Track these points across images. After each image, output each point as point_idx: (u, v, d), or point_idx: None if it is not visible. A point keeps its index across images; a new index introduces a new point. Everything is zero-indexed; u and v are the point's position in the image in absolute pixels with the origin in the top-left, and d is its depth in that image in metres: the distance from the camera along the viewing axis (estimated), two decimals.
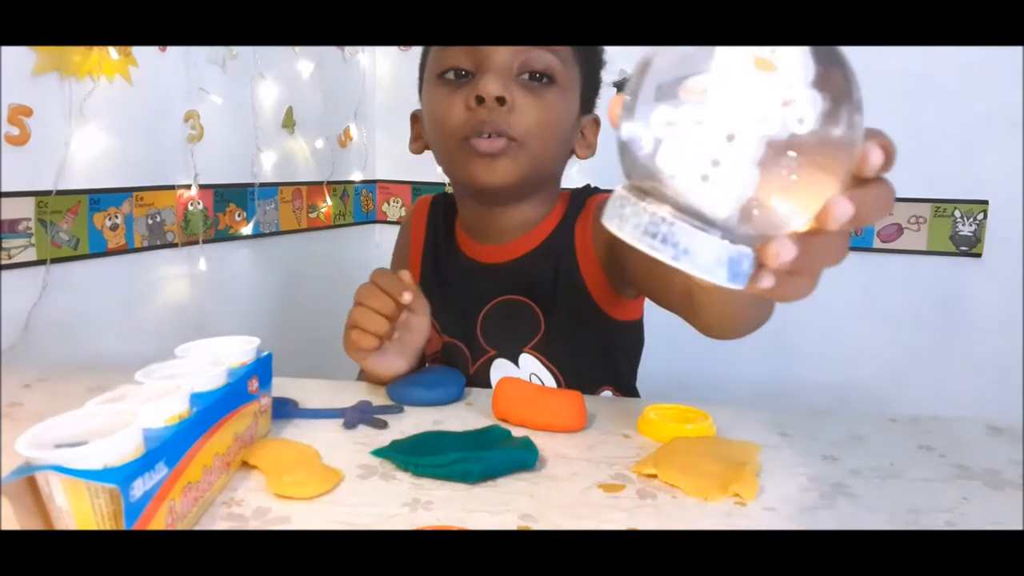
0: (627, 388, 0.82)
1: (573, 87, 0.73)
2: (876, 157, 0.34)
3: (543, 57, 0.69)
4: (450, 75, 0.70)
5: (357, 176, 1.69)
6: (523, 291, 0.77)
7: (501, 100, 0.67)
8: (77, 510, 0.35)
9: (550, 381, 0.76)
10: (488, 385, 0.75)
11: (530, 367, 0.76)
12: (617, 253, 0.72)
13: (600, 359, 0.78)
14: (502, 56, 0.68)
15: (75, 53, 0.96)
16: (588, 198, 0.80)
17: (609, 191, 0.40)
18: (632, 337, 0.82)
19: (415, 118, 0.81)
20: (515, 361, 0.77)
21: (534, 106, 0.69)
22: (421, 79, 0.77)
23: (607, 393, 0.78)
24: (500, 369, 0.77)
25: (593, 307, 0.76)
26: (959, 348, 1.40)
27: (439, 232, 0.85)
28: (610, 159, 0.38)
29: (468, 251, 0.81)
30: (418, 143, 0.81)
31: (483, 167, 0.70)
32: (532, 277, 0.77)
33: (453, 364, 0.78)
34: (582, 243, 0.77)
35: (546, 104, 0.70)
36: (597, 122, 0.79)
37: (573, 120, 0.75)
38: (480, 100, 0.67)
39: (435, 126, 0.72)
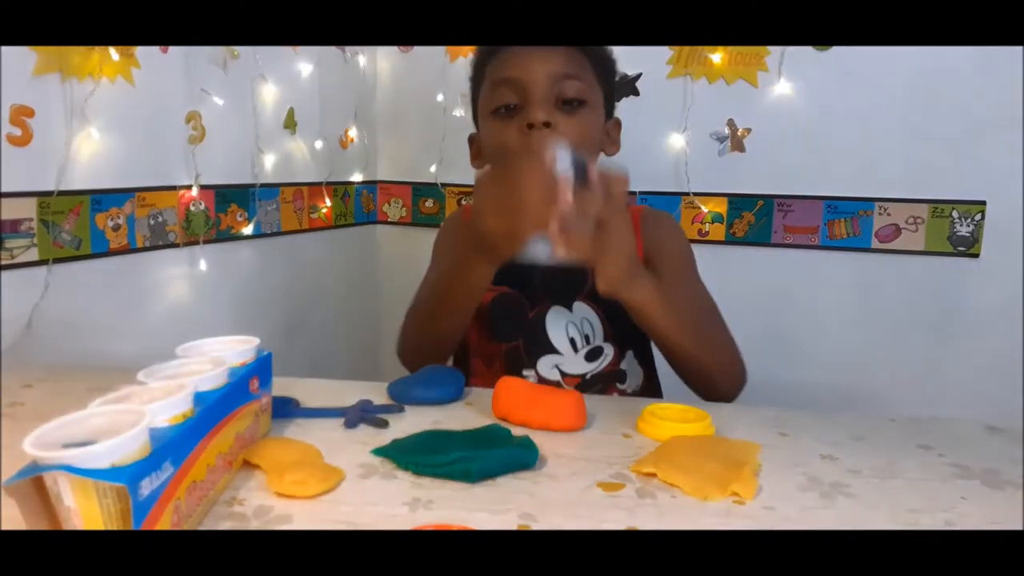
0: (649, 362, 0.93)
1: (599, 103, 0.85)
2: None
3: (573, 85, 0.81)
4: (502, 111, 0.82)
5: (358, 177, 1.69)
6: None
7: (547, 124, 0.78)
8: (85, 510, 0.36)
9: (598, 326, 0.87)
10: (544, 330, 0.87)
11: (582, 313, 0.88)
12: (651, 265, 0.85)
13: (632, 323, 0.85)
14: (542, 89, 0.80)
15: (76, 54, 0.96)
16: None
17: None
18: None
19: (472, 140, 0.93)
20: (570, 308, 0.88)
21: (573, 125, 0.81)
22: (475, 112, 0.90)
23: (630, 354, 0.89)
24: (556, 315, 0.88)
25: None
26: (957, 348, 1.40)
27: None
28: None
29: None
30: (478, 161, 0.92)
31: None
32: None
33: (509, 311, 0.89)
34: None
35: (581, 122, 0.82)
36: (618, 124, 0.91)
37: (601, 128, 0.88)
38: (530, 126, 0.78)
39: (495, 151, 0.83)
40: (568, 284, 0.87)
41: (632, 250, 0.70)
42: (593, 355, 0.87)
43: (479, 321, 0.88)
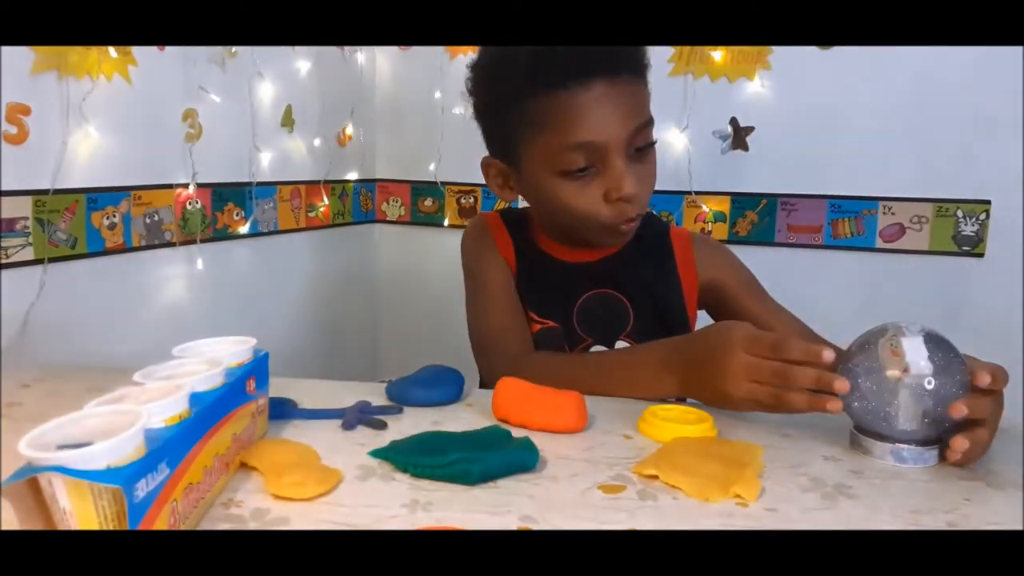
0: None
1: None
2: (983, 379, 0.54)
3: (646, 133, 0.77)
4: (575, 173, 0.75)
5: (356, 175, 1.68)
6: (612, 286, 0.86)
7: (635, 195, 0.75)
8: (80, 511, 0.35)
9: None
10: None
11: None
12: (722, 299, 0.89)
13: None
14: (618, 147, 0.74)
15: (74, 52, 0.96)
16: (671, 225, 0.94)
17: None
18: None
19: (490, 165, 0.85)
20: (611, 348, 0.84)
21: (647, 174, 0.79)
22: (511, 145, 0.80)
23: None
24: None
25: (682, 310, 0.87)
26: (961, 347, 1.39)
27: (521, 239, 0.90)
28: None
29: (557, 254, 0.88)
30: (509, 192, 0.86)
31: (620, 240, 0.81)
32: (618, 274, 0.86)
33: (552, 347, 0.83)
34: (684, 262, 0.89)
35: (651, 166, 0.80)
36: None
37: None
38: (619, 199, 0.75)
39: (570, 214, 0.78)
40: (610, 325, 0.84)
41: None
42: None
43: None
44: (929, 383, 0.52)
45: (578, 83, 0.73)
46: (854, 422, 0.58)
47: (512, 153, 0.80)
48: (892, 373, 0.53)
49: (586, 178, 0.75)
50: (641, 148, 0.77)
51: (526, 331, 0.84)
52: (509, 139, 0.80)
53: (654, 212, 1.53)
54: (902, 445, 0.55)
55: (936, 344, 0.54)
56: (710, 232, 1.52)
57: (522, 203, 0.88)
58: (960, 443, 0.53)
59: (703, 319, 0.92)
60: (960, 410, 0.52)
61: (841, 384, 0.55)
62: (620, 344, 0.84)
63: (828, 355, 0.58)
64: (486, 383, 0.79)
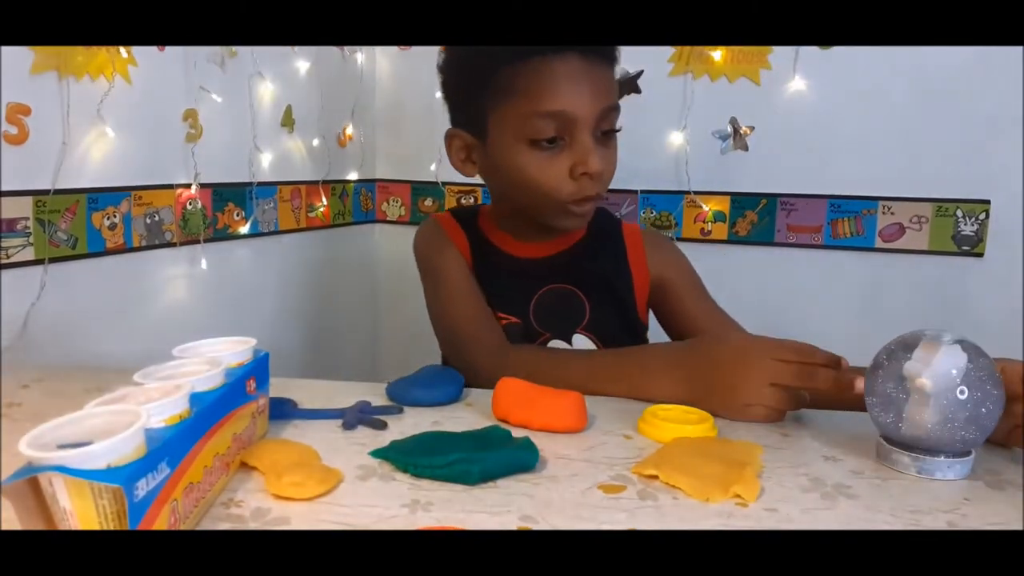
0: None
1: None
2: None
3: (612, 118, 0.78)
4: (543, 144, 0.76)
5: (356, 175, 1.68)
6: (567, 280, 0.87)
7: (600, 172, 0.76)
8: (81, 511, 0.35)
9: None
10: None
11: (583, 346, 0.85)
12: (667, 296, 0.90)
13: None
14: (588, 124, 0.75)
15: (74, 52, 0.96)
16: (623, 221, 0.95)
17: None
18: (646, 339, 0.91)
19: (454, 136, 0.85)
20: (569, 341, 0.85)
21: (610, 158, 0.80)
22: (480, 114, 0.80)
23: None
24: (555, 346, 0.84)
25: (633, 304, 0.89)
26: None
27: (474, 237, 0.90)
28: None
29: (510, 250, 0.89)
30: (470, 167, 0.86)
31: (575, 221, 0.82)
32: (572, 268, 0.87)
33: (515, 342, 0.83)
34: (635, 257, 0.90)
35: (614, 152, 0.81)
36: None
37: None
38: (584, 174, 0.76)
39: (532, 188, 0.79)
40: (567, 319, 0.85)
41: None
42: None
43: None
44: (962, 392, 0.51)
45: (554, 52, 0.74)
46: (881, 432, 0.56)
47: (481, 122, 0.81)
48: (922, 382, 0.51)
49: (553, 151, 0.76)
50: (606, 132, 0.78)
51: (496, 321, 0.84)
52: (480, 108, 0.80)
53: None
54: (932, 457, 0.53)
55: (969, 352, 0.52)
56: (709, 232, 1.52)
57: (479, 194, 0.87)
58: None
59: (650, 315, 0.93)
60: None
61: (861, 383, 0.57)
62: (578, 337, 0.85)
63: (846, 362, 0.62)
64: (471, 381, 0.79)
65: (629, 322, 0.88)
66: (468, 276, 0.87)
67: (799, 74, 1.43)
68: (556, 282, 0.87)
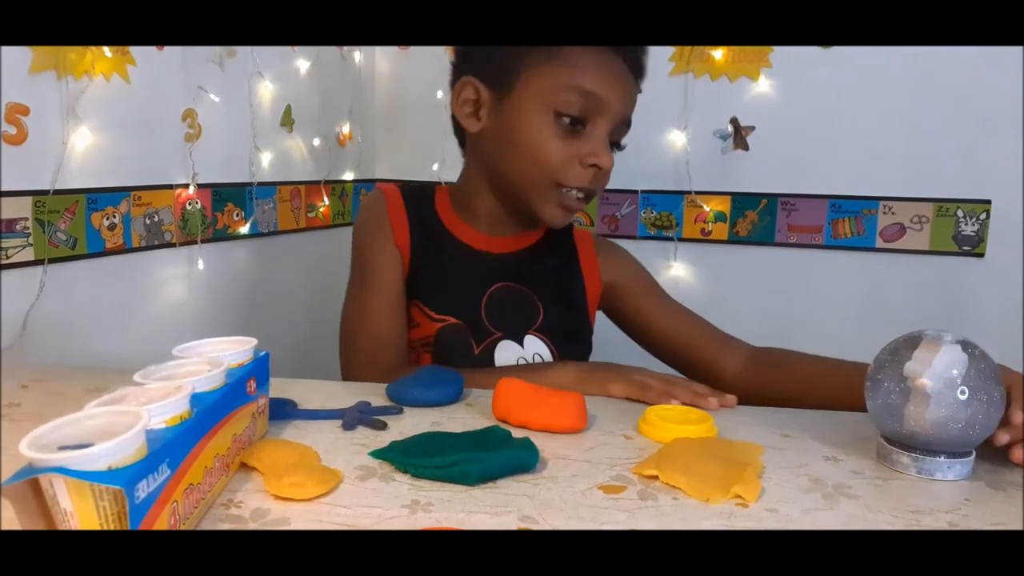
0: None
1: None
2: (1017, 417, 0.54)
3: (623, 130, 0.80)
4: (566, 120, 0.75)
5: (356, 175, 1.68)
6: (521, 280, 0.85)
7: (609, 169, 0.77)
8: (82, 512, 0.35)
9: (549, 360, 0.84)
10: (492, 365, 0.81)
11: (534, 347, 0.83)
12: (621, 301, 0.90)
13: (581, 351, 0.89)
14: (610, 119, 0.76)
15: (72, 52, 0.96)
16: (575, 226, 0.94)
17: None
18: (590, 343, 0.92)
19: (467, 84, 0.80)
20: (520, 342, 0.83)
21: (611, 168, 0.79)
22: (512, 68, 0.77)
23: None
24: (505, 349, 0.82)
25: (584, 308, 0.89)
26: None
27: (425, 223, 0.86)
28: None
29: (462, 236, 0.86)
30: (475, 121, 0.81)
31: (561, 216, 0.80)
32: (527, 269, 0.86)
33: (452, 346, 0.80)
34: (587, 263, 0.90)
35: (613, 163, 0.80)
36: None
37: None
38: (594, 166, 0.76)
39: (538, 160, 0.77)
40: (520, 318, 0.83)
41: None
42: None
43: (429, 351, 0.82)
44: (963, 392, 0.51)
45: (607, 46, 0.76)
46: (881, 432, 0.56)
47: (509, 78, 0.78)
48: (922, 382, 0.51)
49: (572, 132, 0.76)
50: (614, 144, 0.80)
51: (403, 339, 0.81)
52: (515, 62, 0.77)
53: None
54: (933, 457, 0.53)
55: (970, 353, 0.52)
56: (710, 232, 1.52)
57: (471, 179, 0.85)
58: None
59: (602, 320, 0.93)
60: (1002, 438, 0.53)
61: (720, 400, 0.65)
62: (530, 338, 0.83)
63: (714, 402, 0.66)
64: (344, 376, 0.80)
65: (578, 326, 0.88)
66: (394, 283, 0.82)
67: (799, 73, 1.43)
68: (509, 280, 0.84)
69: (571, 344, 0.85)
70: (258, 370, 0.55)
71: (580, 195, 0.79)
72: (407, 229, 0.84)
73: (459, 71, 0.82)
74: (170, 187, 1.16)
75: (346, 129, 1.63)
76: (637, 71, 0.80)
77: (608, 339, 0.93)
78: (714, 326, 0.88)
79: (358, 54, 1.64)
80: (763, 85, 1.46)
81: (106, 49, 1.01)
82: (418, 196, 0.88)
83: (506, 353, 0.81)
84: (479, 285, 0.83)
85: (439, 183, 1.69)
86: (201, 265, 1.23)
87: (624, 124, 0.79)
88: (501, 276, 0.84)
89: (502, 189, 0.82)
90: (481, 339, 0.81)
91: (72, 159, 0.99)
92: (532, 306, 0.84)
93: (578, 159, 0.76)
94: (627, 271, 0.91)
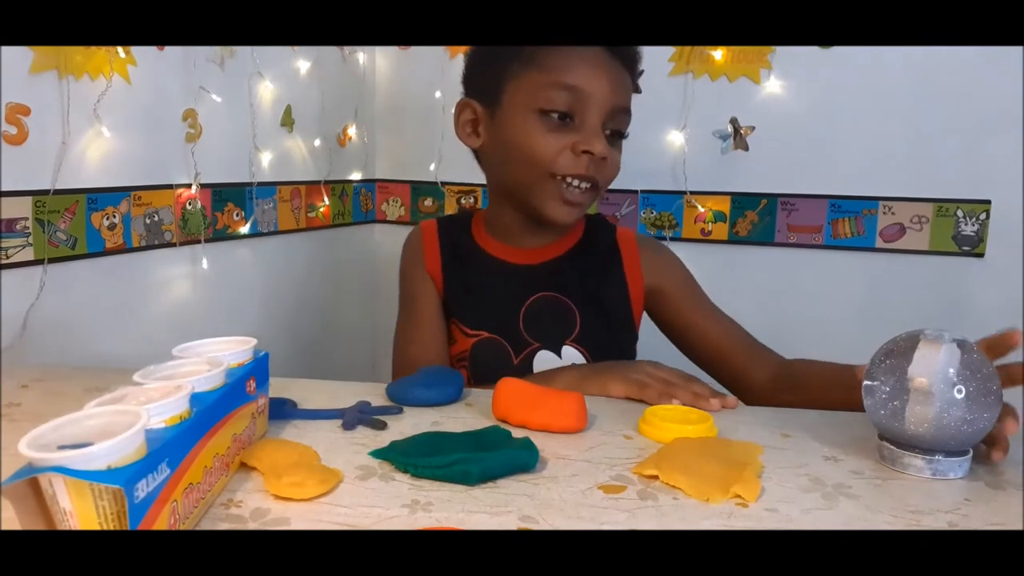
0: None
1: None
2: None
3: (622, 119, 0.80)
4: (553, 116, 0.77)
5: (356, 175, 1.68)
6: (558, 289, 0.86)
7: (604, 158, 0.77)
8: (81, 512, 0.35)
9: None
10: (532, 374, 0.80)
11: (571, 358, 0.84)
12: (664, 304, 0.89)
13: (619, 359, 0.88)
14: (599, 109, 0.76)
15: (73, 52, 0.96)
16: (617, 227, 0.93)
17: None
18: (634, 349, 0.91)
19: (465, 106, 0.85)
20: (558, 352, 0.83)
21: (614, 158, 0.80)
22: (497, 81, 0.81)
23: None
24: (544, 361, 0.83)
25: (627, 314, 0.88)
26: None
27: (458, 246, 0.90)
28: None
29: (497, 253, 0.88)
30: (475, 138, 0.85)
31: (565, 211, 0.80)
32: (564, 278, 0.86)
33: (487, 359, 0.83)
34: (630, 265, 0.89)
35: (617, 154, 0.81)
36: None
37: None
38: (587, 153, 0.76)
39: (531, 157, 0.78)
40: (557, 328, 0.84)
41: None
42: None
43: (465, 366, 0.84)
44: (960, 392, 0.51)
45: None
46: (880, 432, 0.56)
47: (496, 90, 0.81)
48: (921, 381, 0.51)
49: (561, 127, 0.77)
50: (614, 133, 0.80)
51: (446, 360, 0.85)
52: (499, 75, 0.81)
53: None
54: (932, 456, 0.53)
55: (967, 353, 0.52)
56: (710, 232, 1.52)
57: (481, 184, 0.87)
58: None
59: (646, 322, 0.92)
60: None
61: (721, 401, 0.65)
62: (567, 349, 0.84)
63: (715, 403, 0.65)
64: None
65: (618, 334, 0.87)
66: (433, 310, 0.86)
67: (799, 73, 1.43)
68: (547, 290, 0.85)
69: (608, 353, 0.84)
70: (258, 370, 0.55)
71: (581, 186, 0.78)
72: (438, 255, 0.88)
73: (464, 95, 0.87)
74: (170, 187, 1.16)
75: (349, 130, 1.63)
76: (625, 59, 0.80)
77: (649, 340, 0.93)
78: (750, 335, 0.88)
79: (362, 55, 1.64)
80: (763, 85, 1.46)
81: (107, 49, 1.01)
82: (453, 223, 0.92)
83: (544, 364, 0.82)
84: (515, 298, 0.85)
85: (438, 183, 1.69)
86: (202, 265, 1.23)
87: (621, 112, 0.79)
88: (539, 287, 0.86)
89: (511, 198, 0.85)
90: (520, 350, 0.83)
91: (72, 159, 0.99)
92: (570, 316, 0.85)
93: (570, 147, 0.77)
94: (671, 275, 0.91)
